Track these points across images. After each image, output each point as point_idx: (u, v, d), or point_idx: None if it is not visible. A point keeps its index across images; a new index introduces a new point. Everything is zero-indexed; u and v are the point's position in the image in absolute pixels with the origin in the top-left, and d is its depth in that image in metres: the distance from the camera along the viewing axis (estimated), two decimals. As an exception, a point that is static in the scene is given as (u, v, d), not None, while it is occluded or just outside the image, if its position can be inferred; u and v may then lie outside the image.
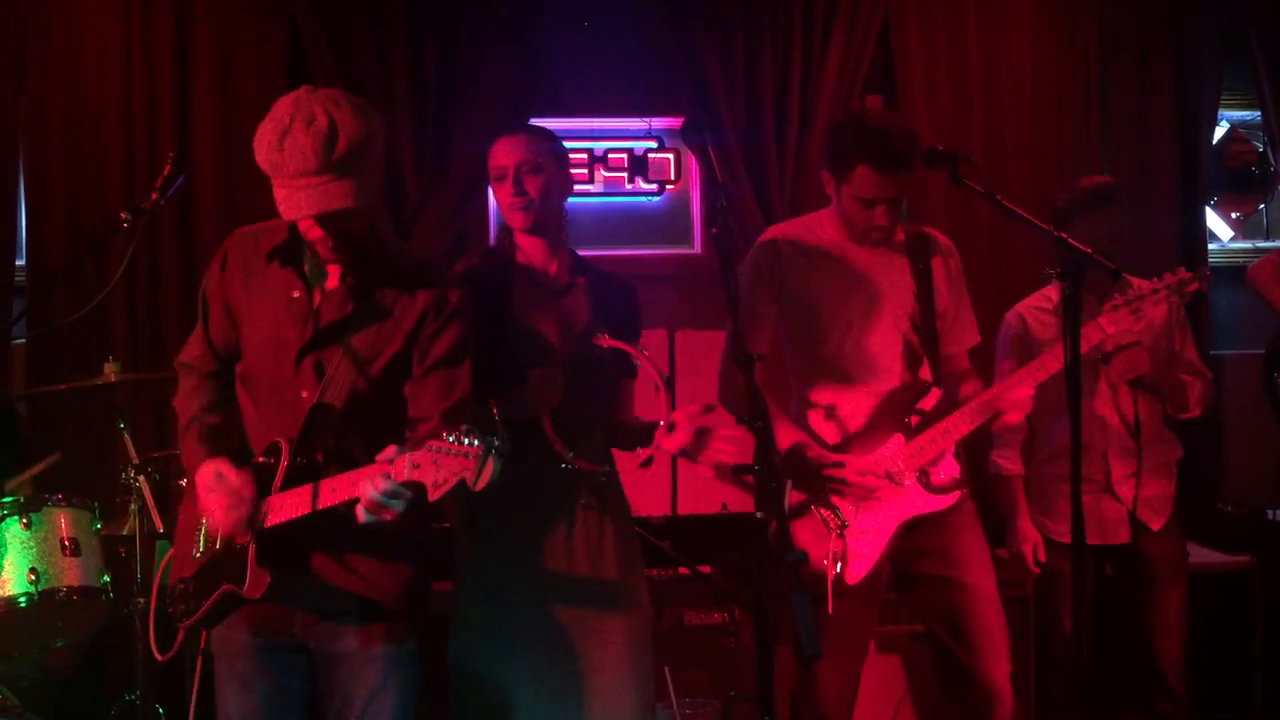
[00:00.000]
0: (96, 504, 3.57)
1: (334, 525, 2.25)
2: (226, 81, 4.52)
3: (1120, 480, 3.54)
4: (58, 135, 4.45)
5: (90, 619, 3.53)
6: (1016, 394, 2.95)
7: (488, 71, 4.57)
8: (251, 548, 2.29)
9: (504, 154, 2.77)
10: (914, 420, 3.03)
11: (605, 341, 2.59)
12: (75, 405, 4.24)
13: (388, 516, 2.09)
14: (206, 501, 2.33)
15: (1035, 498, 3.63)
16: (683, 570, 3.82)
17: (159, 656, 2.51)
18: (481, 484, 1.97)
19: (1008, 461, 3.65)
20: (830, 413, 3.07)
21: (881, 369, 3.05)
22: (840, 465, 2.96)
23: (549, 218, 2.77)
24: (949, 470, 3.05)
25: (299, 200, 2.21)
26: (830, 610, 2.86)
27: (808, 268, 3.05)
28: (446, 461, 1.98)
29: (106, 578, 3.48)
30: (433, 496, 2.01)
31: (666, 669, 2.57)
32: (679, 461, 4.02)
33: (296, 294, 2.38)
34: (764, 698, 2.28)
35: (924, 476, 3.01)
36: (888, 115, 2.95)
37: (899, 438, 3.01)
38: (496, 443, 1.98)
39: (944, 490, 3.02)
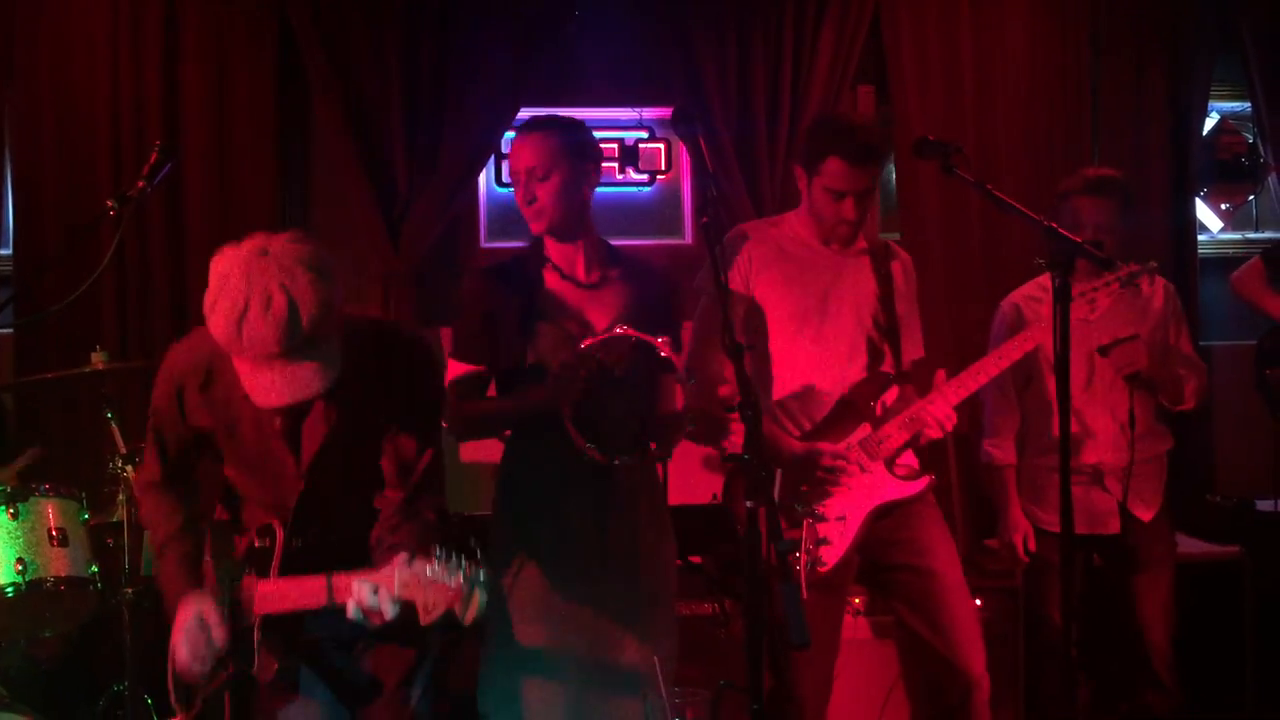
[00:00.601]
0: (84, 494, 3.55)
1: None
2: (217, 72, 4.49)
3: (1111, 472, 3.54)
4: (46, 125, 4.43)
5: (78, 609, 3.52)
6: (937, 410, 2.99)
7: (480, 62, 4.55)
8: (256, 634, 2.30)
9: (516, 157, 2.75)
10: (879, 410, 3.07)
11: (623, 331, 2.56)
12: (63, 395, 4.22)
13: (377, 623, 2.11)
14: (178, 638, 2.30)
15: (1026, 487, 3.63)
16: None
17: (180, 714, 2.49)
18: (470, 618, 2.03)
19: (1000, 451, 3.65)
20: (795, 404, 3.09)
21: (845, 363, 3.09)
22: (816, 453, 2.99)
23: (565, 218, 2.75)
24: (909, 460, 3.10)
25: (264, 384, 2.11)
26: (805, 597, 2.87)
27: (775, 262, 3.10)
28: (434, 590, 2.03)
29: (94, 568, 3.46)
30: (424, 621, 2.05)
31: (656, 659, 2.56)
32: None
33: (278, 423, 2.33)
34: (754, 688, 2.28)
35: (891, 464, 3.04)
36: (861, 114, 3.04)
37: (865, 426, 3.05)
38: (480, 578, 2.04)
39: (911, 477, 3.05)
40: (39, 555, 3.36)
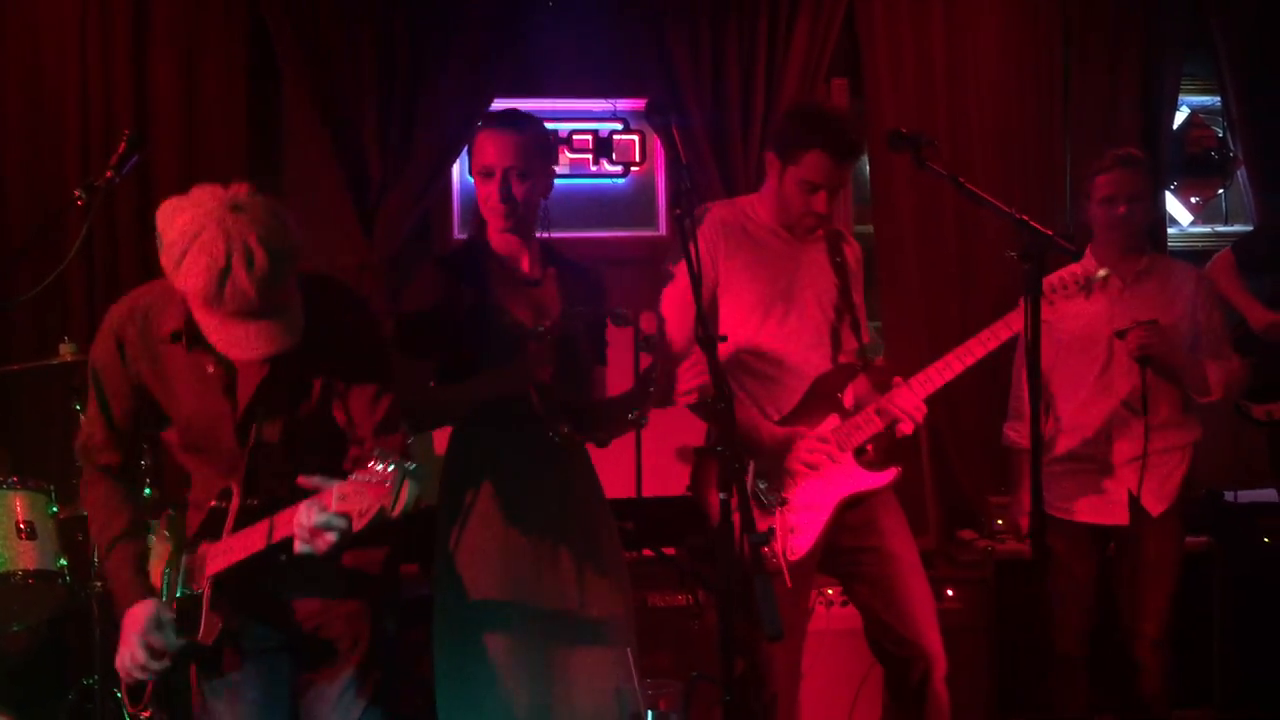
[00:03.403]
0: (52, 487, 3.53)
1: (290, 569, 2.26)
2: (187, 61, 4.45)
3: (1123, 463, 3.50)
4: (13, 112, 4.37)
5: (47, 603, 3.49)
6: (905, 402, 2.99)
7: (454, 52, 4.53)
8: (205, 594, 2.29)
9: (494, 152, 2.72)
10: (848, 400, 3.09)
11: (578, 311, 2.60)
12: (30, 386, 4.18)
13: (323, 547, 2.07)
14: (129, 639, 2.28)
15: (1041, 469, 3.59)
16: (647, 553, 3.82)
17: (130, 709, 2.47)
18: (398, 510, 1.95)
19: (1017, 434, 3.64)
20: (762, 392, 3.09)
21: (810, 351, 3.11)
22: (796, 438, 3.01)
23: (528, 217, 2.78)
24: (871, 450, 3.10)
25: (239, 339, 2.11)
26: (789, 584, 2.89)
27: (740, 249, 3.10)
28: (369, 490, 1.96)
29: (63, 561, 3.44)
30: (357, 526, 1.99)
31: (629, 650, 2.57)
32: (643, 443, 4.03)
33: (211, 369, 2.31)
34: (726, 678, 2.28)
35: (860, 454, 3.05)
36: (839, 106, 3.03)
37: (834, 417, 3.06)
38: (410, 467, 1.96)
39: (879, 467, 3.06)
40: (7, 548, 3.34)
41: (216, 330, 2.11)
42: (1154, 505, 3.50)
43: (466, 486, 2.76)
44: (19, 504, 3.41)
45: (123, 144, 2.91)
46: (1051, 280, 3.00)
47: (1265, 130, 4.94)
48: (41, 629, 3.79)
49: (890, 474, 3.07)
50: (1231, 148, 5.09)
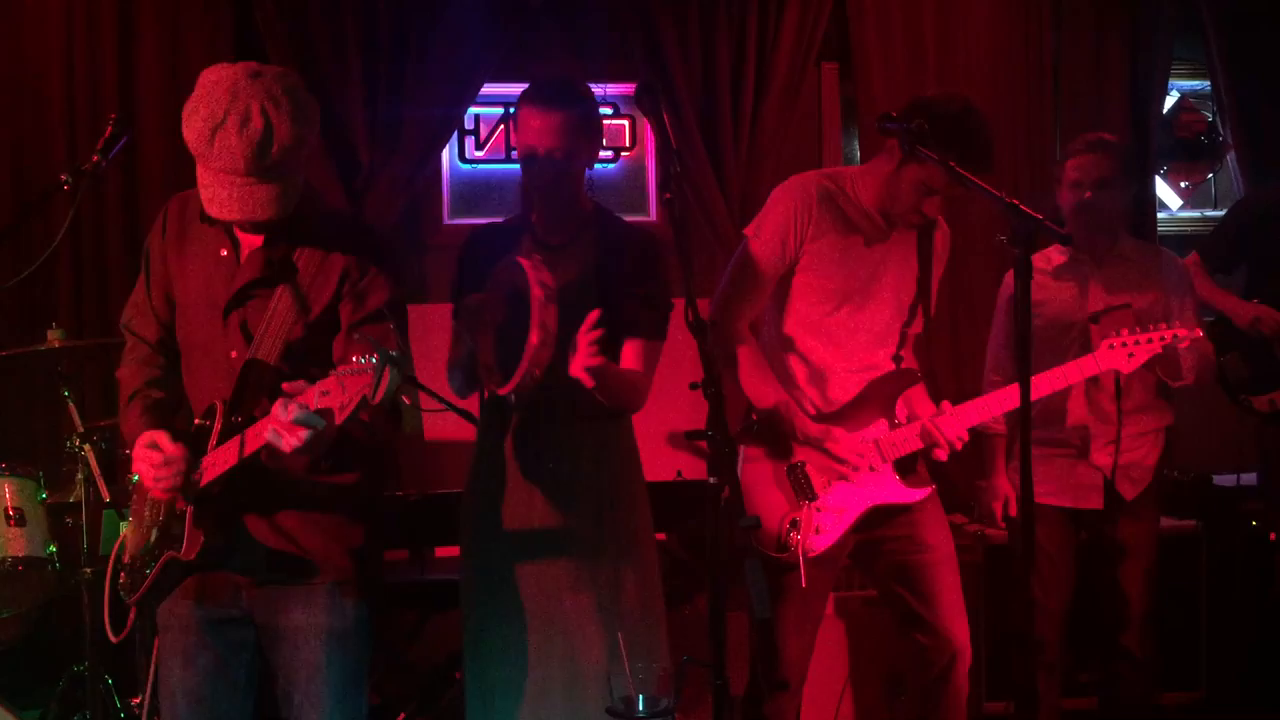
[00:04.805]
0: (41, 473, 3.52)
1: (275, 486, 2.27)
2: (172, 44, 4.42)
3: (1099, 447, 3.49)
4: (-2, 96, 4.36)
5: (36, 590, 3.50)
6: (950, 430, 2.96)
7: (442, 37, 4.50)
8: (190, 510, 2.28)
9: (533, 133, 2.67)
10: (900, 409, 3.03)
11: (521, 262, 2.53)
12: (18, 373, 4.17)
13: (291, 443, 2.04)
14: (138, 466, 2.31)
15: (1016, 457, 3.60)
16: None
17: (113, 638, 2.47)
18: (379, 396, 1.96)
19: (993, 421, 3.65)
20: (818, 381, 3.05)
21: (875, 347, 3.05)
22: (827, 438, 2.96)
23: (566, 190, 2.74)
24: (921, 468, 3.07)
25: (220, 197, 2.18)
26: (804, 583, 2.88)
27: (830, 229, 3.00)
28: (350, 382, 1.98)
29: (52, 548, 3.44)
30: (339, 420, 2.00)
31: (620, 635, 2.57)
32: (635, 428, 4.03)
33: (224, 252, 2.38)
34: (717, 663, 2.29)
35: (901, 466, 3.01)
36: (979, 114, 2.92)
37: (883, 423, 3.02)
38: (392, 353, 1.96)
39: (918, 483, 3.03)
40: (-5, 535, 3.33)
41: (206, 187, 2.19)
42: (1128, 490, 3.51)
43: (486, 459, 2.78)
44: (8, 490, 3.41)
45: (109, 127, 2.87)
46: (1122, 337, 3.03)
47: (1255, 114, 4.95)
48: (31, 615, 3.78)
49: (924, 491, 3.02)
50: (1221, 132, 5.10)
